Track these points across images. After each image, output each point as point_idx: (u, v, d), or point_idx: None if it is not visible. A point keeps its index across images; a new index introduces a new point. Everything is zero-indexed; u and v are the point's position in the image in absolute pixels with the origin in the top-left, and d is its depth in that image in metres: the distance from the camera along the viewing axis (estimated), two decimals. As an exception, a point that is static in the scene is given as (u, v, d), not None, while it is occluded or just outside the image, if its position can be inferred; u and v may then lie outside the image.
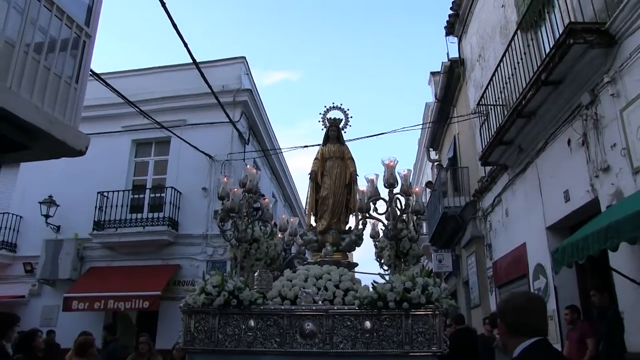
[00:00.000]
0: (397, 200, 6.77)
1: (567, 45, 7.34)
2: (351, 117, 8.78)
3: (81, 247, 15.85)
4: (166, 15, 9.33)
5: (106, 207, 15.63)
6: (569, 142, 8.68)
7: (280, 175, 22.98)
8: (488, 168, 13.08)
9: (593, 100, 7.79)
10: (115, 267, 15.47)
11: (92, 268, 15.69)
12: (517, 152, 10.91)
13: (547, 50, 8.88)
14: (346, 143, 8.90)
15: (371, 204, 6.87)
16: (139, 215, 15.68)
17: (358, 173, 8.55)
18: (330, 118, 8.77)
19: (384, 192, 6.83)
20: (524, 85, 9.15)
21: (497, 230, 13.11)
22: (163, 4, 9.04)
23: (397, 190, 6.72)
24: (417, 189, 7.04)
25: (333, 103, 8.75)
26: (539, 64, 8.63)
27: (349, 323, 6.10)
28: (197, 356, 6.38)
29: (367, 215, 7.03)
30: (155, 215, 15.48)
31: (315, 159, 8.71)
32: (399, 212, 6.77)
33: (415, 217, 7.13)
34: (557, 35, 8.31)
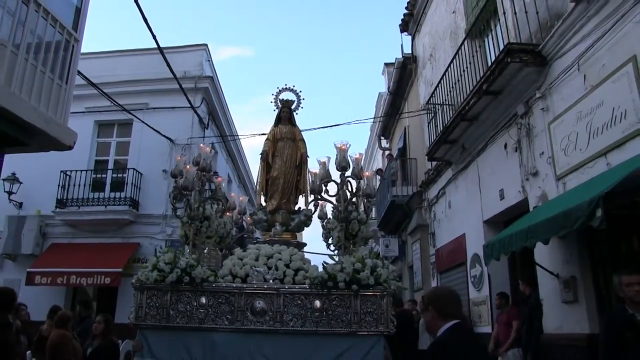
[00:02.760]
0: (348, 183, 6.99)
1: (505, 62, 8.26)
2: (303, 99, 8.89)
3: (43, 223, 16.24)
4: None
5: (69, 185, 16.01)
6: (505, 146, 9.65)
7: (235, 157, 23.57)
8: (434, 162, 13.97)
9: (527, 112, 8.76)
10: (77, 244, 15.93)
11: (54, 244, 16.11)
12: (460, 151, 11.84)
13: (492, 58, 9.84)
14: (297, 125, 8.99)
15: (323, 185, 7.12)
16: (101, 195, 16.12)
17: (309, 155, 8.73)
18: (282, 99, 8.86)
19: (335, 175, 7.05)
20: (470, 89, 9.98)
21: (440, 220, 14.08)
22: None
23: (348, 173, 6.92)
24: (367, 173, 7.26)
25: (286, 84, 8.91)
26: (482, 73, 9.48)
27: (299, 302, 6.37)
28: (148, 332, 6.45)
29: (319, 197, 7.32)
30: (117, 195, 15.97)
31: (267, 139, 8.80)
32: (349, 195, 6.99)
33: (365, 200, 7.36)
34: (501, 46, 9.23)
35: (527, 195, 8.84)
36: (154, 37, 11.55)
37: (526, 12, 8.46)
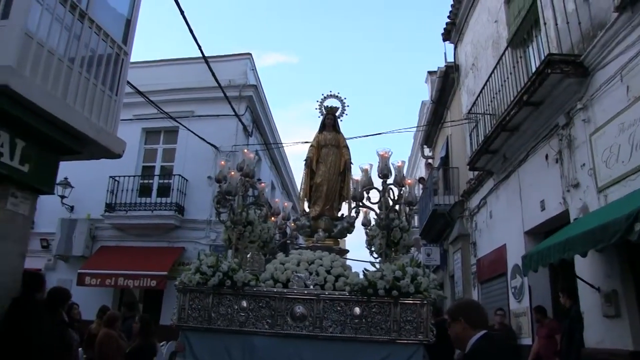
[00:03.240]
0: (390, 191, 6.90)
1: (546, 73, 8.28)
2: (348, 105, 8.83)
3: (93, 227, 16.81)
4: (177, 10, 10.22)
5: (117, 190, 16.57)
6: (546, 157, 9.64)
7: (279, 165, 23.88)
8: (476, 172, 13.96)
9: (568, 123, 8.74)
10: (124, 247, 16.40)
11: (103, 247, 16.65)
12: (501, 161, 11.84)
13: (534, 68, 9.84)
14: (342, 132, 8.93)
15: (364, 192, 7.04)
16: (148, 200, 16.64)
17: (352, 161, 8.64)
18: (327, 106, 8.82)
19: (377, 182, 6.98)
20: (511, 99, 10.00)
21: (481, 230, 14.07)
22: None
23: (390, 180, 6.84)
24: (409, 181, 7.16)
25: (330, 91, 8.83)
26: (524, 82, 9.49)
27: (339, 308, 6.30)
28: (190, 333, 6.48)
29: (360, 203, 7.24)
30: (163, 200, 16.46)
31: (311, 146, 8.76)
32: (391, 202, 6.90)
33: (407, 208, 7.28)
34: (543, 56, 9.24)
35: (568, 206, 8.81)
36: (200, 47, 11.93)
37: (568, 22, 8.47)
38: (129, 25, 7.67)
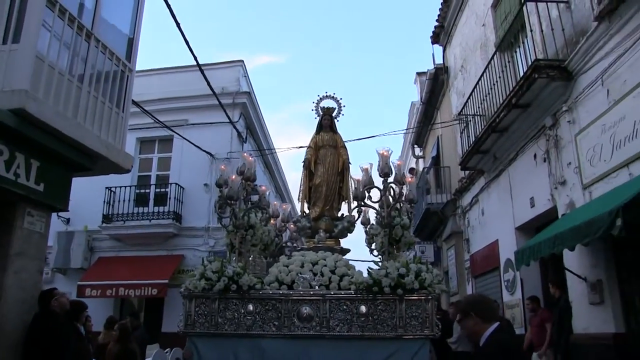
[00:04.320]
0: (391, 189, 6.96)
1: (533, 78, 8.66)
2: (344, 106, 8.86)
3: (91, 238, 16.96)
4: (163, 18, 10.48)
5: (114, 201, 16.70)
6: (535, 156, 10.04)
7: (272, 169, 24.15)
8: (467, 171, 14.34)
9: (554, 124, 9.14)
10: (123, 257, 16.56)
11: (102, 258, 16.80)
12: (492, 160, 12.24)
13: (522, 70, 10.25)
14: (339, 132, 8.96)
15: (366, 192, 7.06)
16: (145, 209, 16.76)
17: (350, 161, 8.70)
18: (323, 107, 8.83)
19: (377, 181, 7.00)
20: (500, 101, 10.38)
21: (474, 227, 14.47)
22: (170, 10, 10.20)
23: (390, 179, 6.86)
24: (410, 179, 7.22)
25: (326, 92, 8.88)
26: (513, 85, 9.88)
27: (345, 307, 6.37)
28: (197, 339, 6.51)
29: (362, 203, 7.25)
30: (160, 209, 16.59)
31: (309, 147, 8.79)
32: (392, 200, 6.94)
33: (409, 206, 7.28)
34: (529, 60, 9.64)
35: (556, 203, 9.22)
36: (195, 57, 12.13)
37: (552, 29, 8.84)
38: (131, 43, 7.97)
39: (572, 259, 8.27)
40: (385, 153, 6.89)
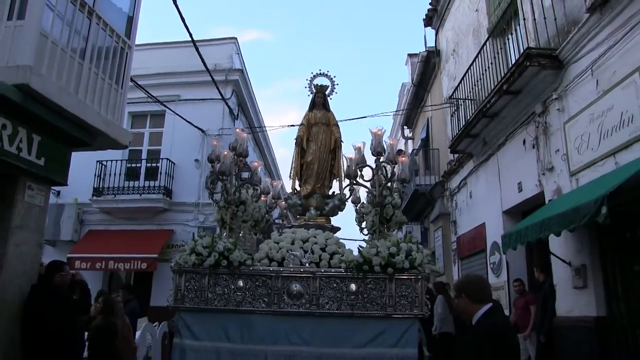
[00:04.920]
0: (384, 168, 6.92)
1: (525, 66, 8.83)
2: (337, 84, 8.84)
3: (81, 211, 17.00)
4: None
5: (104, 174, 16.79)
6: (524, 142, 10.24)
7: (262, 147, 24.23)
8: (456, 154, 14.54)
9: (544, 111, 9.33)
10: (112, 231, 16.62)
11: (91, 231, 16.87)
12: (481, 145, 12.44)
13: (513, 57, 10.43)
14: (332, 110, 8.91)
15: (358, 170, 7.03)
16: (136, 183, 16.85)
17: (342, 139, 8.72)
18: (316, 84, 8.79)
19: (369, 160, 6.97)
20: (492, 86, 10.56)
21: (461, 209, 14.70)
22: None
23: (383, 158, 6.83)
24: (403, 158, 7.20)
25: (320, 70, 8.85)
26: (504, 71, 10.08)
27: (334, 285, 6.40)
28: (186, 314, 6.53)
29: (354, 181, 7.17)
30: (151, 183, 16.69)
31: (301, 124, 8.78)
32: (384, 180, 6.92)
33: (401, 185, 7.36)
34: (522, 47, 9.84)
35: (543, 188, 9.44)
36: (190, 34, 12.08)
37: (545, 17, 8.99)
38: (131, 21, 8.04)
39: (558, 244, 8.51)
40: (378, 132, 6.91)
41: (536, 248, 10.14)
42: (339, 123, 8.92)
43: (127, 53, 7.80)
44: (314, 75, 8.84)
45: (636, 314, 7.14)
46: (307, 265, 6.68)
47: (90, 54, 6.95)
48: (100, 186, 16.71)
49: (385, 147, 6.87)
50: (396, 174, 7.02)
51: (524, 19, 9.50)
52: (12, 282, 6.08)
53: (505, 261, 11.15)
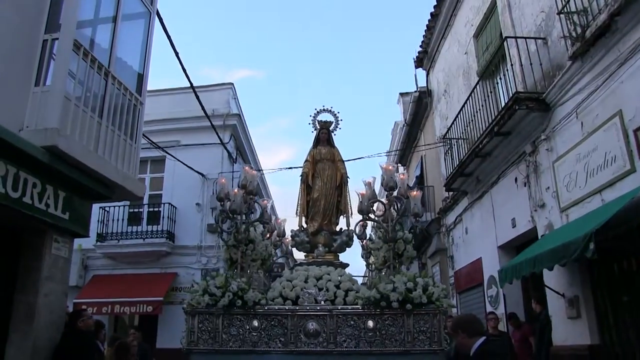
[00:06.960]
0: (395, 203, 6.98)
1: (514, 109, 9.36)
2: (341, 120, 8.94)
3: (85, 256, 17.39)
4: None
5: (107, 220, 17.19)
6: (515, 180, 10.71)
7: (260, 186, 24.60)
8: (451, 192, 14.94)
9: (534, 150, 9.83)
10: (117, 275, 16.99)
11: (96, 276, 17.23)
12: (475, 183, 12.90)
13: (503, 98, 10.94)
14: (336, 146, 8.97)
15: (370, 206, 7.01)
16: (138, 228, 17.26)
17: (349, 175, 8.77)
18: (320, 121, 8.86)
19: (379, 195, 7.13)
20: (483, 127, 11.03)
21: (458, 245, 15.08)
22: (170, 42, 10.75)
23: (395, 193, 6.90)
24: (414, 193, 7.14)
25: (323, 106, 8.89)
26: (495, 112, 10.58)
27: (352, 322, 6.35)
28: (201, 356, 6.41)
29: (367, 217, 7.13)
30: (154, 228, 17.09)
31: (306, 161, 8.76)
32: (395, 214, 6.95)
33: (414, 220, 7.22)
34: (510, 89, 10.41)
35: (535, 224, 9.89)
36: (191, 82, 12.67)
37: (531, 63, 9.54)
38: (141, 79, 8.53)
39: (551, 277, 8.90)
40: (389, 167, 7.06)
41: (531, 280, 10.50)
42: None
43: (139, 109, 8.25)
44: (318, 112, 8.91)
45: (627, 341, 7.53)
46: (322, 302, 6.66)
47: (107, 112, 7.41)
48: (104, 232, 17.12)
49: (397, 182, 6.96)
50: (409, 209, 7.00)
51: (512, 65, 10.02)
52: (43, 331, 6.46)
53: (502, 294, 11.51)
